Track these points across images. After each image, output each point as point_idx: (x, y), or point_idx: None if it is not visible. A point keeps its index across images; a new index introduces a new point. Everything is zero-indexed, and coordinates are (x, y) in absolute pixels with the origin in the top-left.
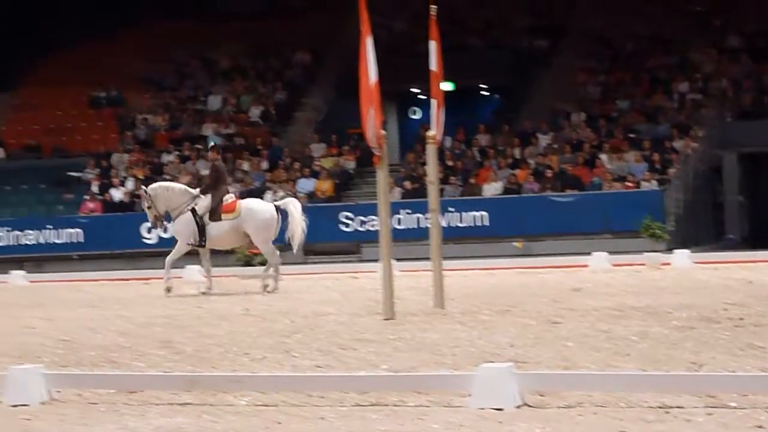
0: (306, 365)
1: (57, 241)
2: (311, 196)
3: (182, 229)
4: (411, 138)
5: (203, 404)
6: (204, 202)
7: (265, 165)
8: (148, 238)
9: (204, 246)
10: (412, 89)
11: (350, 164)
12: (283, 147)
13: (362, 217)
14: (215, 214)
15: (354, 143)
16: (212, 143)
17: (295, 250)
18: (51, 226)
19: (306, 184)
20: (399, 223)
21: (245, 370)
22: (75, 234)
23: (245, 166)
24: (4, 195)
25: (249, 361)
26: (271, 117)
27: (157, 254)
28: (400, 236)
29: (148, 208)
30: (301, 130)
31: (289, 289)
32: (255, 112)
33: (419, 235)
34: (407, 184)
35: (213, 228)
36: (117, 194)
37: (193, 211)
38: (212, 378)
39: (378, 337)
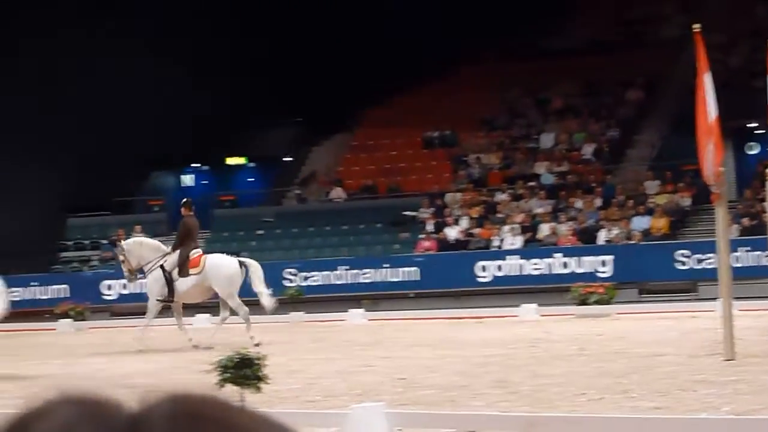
0: (644, 407)
1: (393, 280)
2: (646, 233)
3: (152, 285)
4: (748, 174)
5: None
6: (172, 258)
7: (598, 203)
8: (483, 277)
9: (172, 301)
10: (748, 124)
11: (686, 201)
12: (616, 184)
13: (699, 255)
14: (183, 269)
15: (690, 180)
16: (185, 199)
17: (265, 304)
18: (388, 265)
19: (640, 222)
20: (737, 260)
21: (583, 410)
22: (411, 272)
23: (578, 204)
24: (342, 234)
25: (586, 401)
26: (603, 154)
27: (491, 293)
28: (738, 274)
29: (122, 261)
30: (635, 167)
31: (624, 329)
32: (588, 150)
33: (758, 273)
34: (745, 221)
35: (180, 283)
36: (452, 233)
37: (162, 267)
38: (550, 419)
39: (718, 378)
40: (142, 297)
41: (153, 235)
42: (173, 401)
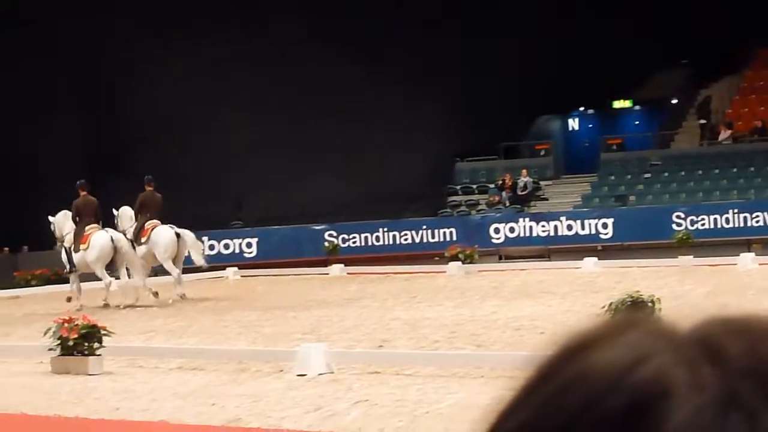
0: None
1: None
2: None
3: None
4: None
5: None
6: (132, 229)
7: None
8: None
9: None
10: None
11: None
12: None
13: None
14: (137, 239)
15: None
16: (147, 176)
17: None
18: None
19: None
20: None
21: None
22: None
23: None
24: (731, 177)
25: None
26: None
27: None
28: None
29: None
30: None
31: None
32: None
33: None
34: None
35: (139, 250)
36: None
37: (124, 234)
38: None
39: None
40: (530, 240)
41: (539, 179)
42: (726, 319)
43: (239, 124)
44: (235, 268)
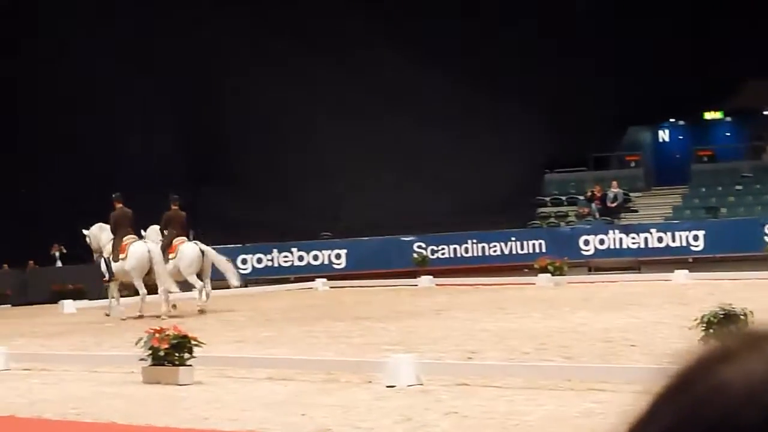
0: None
1: None
2: None
3: None
4: None
5: None
6: (161, 244)
7: None
8: None
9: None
10: None
11: None
12: None
13: None
14: (165, 254)
15: None
16: (174, 196)
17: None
18: None
19: None
20: None
21: None
22: None
23: None
24: None
25: None
26: None
27: None
28: None
29: None
30: None
31: None
32: None
33: None
34: None
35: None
36: None
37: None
38: None
39: None
40: (620, 252)
41: (630, 190)
42: None
43: (331, 134)
44: (324, 279)
